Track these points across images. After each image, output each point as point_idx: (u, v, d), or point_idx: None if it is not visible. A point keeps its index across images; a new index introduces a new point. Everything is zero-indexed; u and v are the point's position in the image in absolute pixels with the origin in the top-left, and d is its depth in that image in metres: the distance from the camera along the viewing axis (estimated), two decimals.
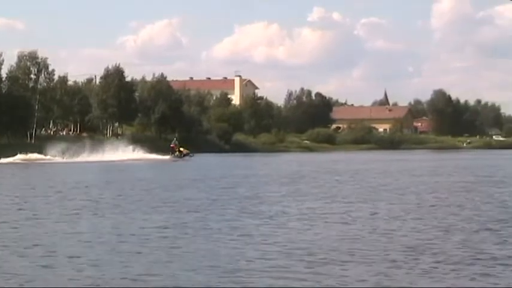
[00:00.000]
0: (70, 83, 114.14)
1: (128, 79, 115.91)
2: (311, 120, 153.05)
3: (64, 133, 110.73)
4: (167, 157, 77.40)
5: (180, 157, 77.60)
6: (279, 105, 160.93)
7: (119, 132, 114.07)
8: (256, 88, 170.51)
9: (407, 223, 19.90)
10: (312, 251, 15.20)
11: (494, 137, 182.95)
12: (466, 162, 69.64)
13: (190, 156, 78.64)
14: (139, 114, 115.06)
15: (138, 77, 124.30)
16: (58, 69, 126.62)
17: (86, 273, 13.19)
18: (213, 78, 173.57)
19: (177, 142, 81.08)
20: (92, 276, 12.93)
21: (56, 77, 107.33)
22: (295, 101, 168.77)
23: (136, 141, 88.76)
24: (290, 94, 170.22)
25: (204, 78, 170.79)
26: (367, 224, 19.88)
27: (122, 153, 77.17)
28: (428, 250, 15.22)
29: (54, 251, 15.48)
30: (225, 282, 12.37)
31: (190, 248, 15.88)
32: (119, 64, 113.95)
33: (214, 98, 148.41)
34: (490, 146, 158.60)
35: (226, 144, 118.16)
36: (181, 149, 79.73)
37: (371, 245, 16.01)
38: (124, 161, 70.47)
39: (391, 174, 46.24)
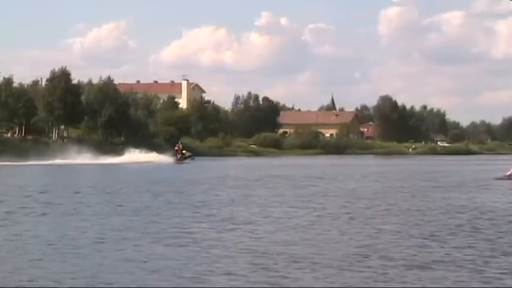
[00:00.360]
0: (15, 85, 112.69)
1: (75, 82, 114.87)
2: (258, 125, 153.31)
3: (9, 135, 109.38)
4: (171, 159, 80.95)
5: (183, 159, 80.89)
6: (226, 109, 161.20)
7: (65, 135, 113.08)
8: (204, 92, 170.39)
9: (354, 228, 20.05)
10: (259, 255, 15.26)
11: (439, 142, 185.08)
12: (411, 168, 70.36)
13: (192, 158, 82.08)
14: (86, 117, 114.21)
15: (85, 80, 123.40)
16: (3, 71, 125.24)
17: (43, 274, 13.30)
18: (160, 81, 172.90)
19: (180, 145, 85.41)
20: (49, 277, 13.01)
21: (0, 79, 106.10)
22: (242, 105, 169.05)
23: (83, 144, 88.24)
24: (237, 98, 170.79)
25: (151, 82, 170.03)
26: (314, 228, 19.99)
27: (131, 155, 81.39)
28: (376, 253, 15.36)
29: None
30: (173, 284, 12.40)
31: (140, 251, 15.86)
32: (66, 66, 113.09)
33: (161, 101, 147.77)
34: (435, 152, 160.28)
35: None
36: (184, 151, 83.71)
37: (317, 248, 16.13)
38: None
39: (339, 180, 46.48)
